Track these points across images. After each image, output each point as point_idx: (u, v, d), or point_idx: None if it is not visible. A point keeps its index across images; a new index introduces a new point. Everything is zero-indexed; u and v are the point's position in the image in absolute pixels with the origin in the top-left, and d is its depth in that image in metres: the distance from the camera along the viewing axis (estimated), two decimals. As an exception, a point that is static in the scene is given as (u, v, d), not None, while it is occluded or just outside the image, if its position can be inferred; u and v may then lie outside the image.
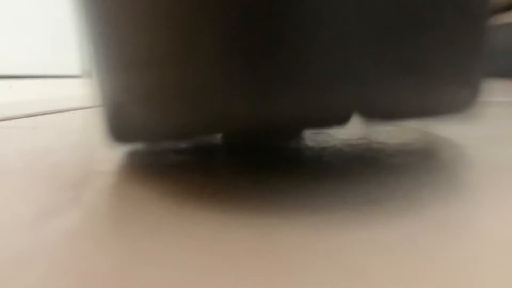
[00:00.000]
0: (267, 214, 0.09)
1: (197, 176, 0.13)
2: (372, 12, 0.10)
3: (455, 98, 0.13)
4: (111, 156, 0.16)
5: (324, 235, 0.08)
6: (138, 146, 0.17)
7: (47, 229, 0.08)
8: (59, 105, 0.38)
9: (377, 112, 0.12)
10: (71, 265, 0.07)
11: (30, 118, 0.28)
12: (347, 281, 0.06)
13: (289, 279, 0.06)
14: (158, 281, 0.06)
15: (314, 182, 0.12)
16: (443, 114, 0.14)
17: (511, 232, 0.08)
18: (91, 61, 0.14)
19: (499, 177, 0.12)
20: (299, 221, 0.09)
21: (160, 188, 0.11)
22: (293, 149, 0.16)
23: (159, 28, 0.11)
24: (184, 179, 0.12)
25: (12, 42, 1.72)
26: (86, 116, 0.30)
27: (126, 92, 0.13)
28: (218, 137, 0.18)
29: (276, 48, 0.10)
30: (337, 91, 0.11)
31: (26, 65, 1.80)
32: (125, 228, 0.09)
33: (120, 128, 0.14)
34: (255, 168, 0.14)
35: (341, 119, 0.11)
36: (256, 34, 0.10)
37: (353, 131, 0.20)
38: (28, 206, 0.10)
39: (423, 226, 0.09)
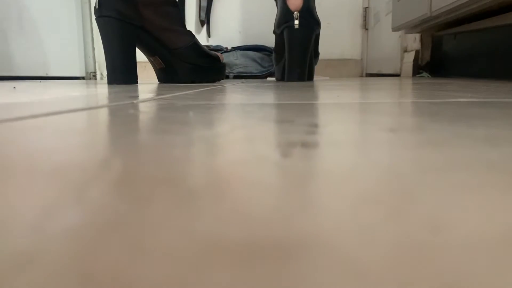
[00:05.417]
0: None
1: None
2: None
3: None
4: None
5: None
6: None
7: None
8: (62, 106, 0.38)
9: None
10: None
11: (32, 119, 0.28)
12: None
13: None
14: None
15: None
16: None
17: None
18: None
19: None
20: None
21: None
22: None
23: None
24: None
25: (16, 44, 1.73)
26: (90, 117, 0.31)
27: None
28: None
29: None
30: None
31: (29, 65, 1.80)
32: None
33: None
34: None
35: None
36: None
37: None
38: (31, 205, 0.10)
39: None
